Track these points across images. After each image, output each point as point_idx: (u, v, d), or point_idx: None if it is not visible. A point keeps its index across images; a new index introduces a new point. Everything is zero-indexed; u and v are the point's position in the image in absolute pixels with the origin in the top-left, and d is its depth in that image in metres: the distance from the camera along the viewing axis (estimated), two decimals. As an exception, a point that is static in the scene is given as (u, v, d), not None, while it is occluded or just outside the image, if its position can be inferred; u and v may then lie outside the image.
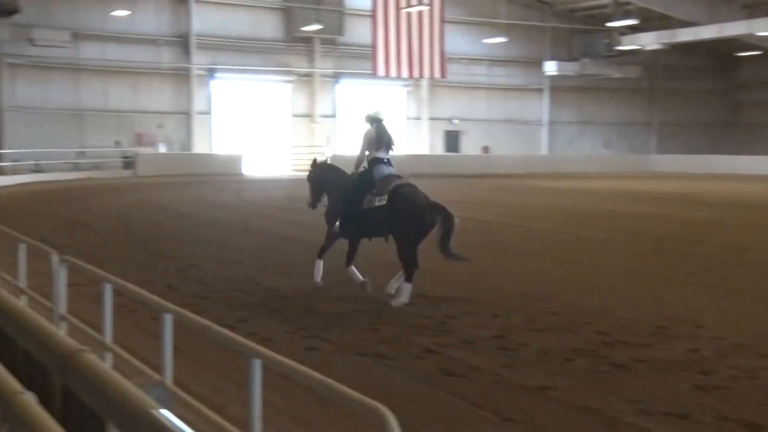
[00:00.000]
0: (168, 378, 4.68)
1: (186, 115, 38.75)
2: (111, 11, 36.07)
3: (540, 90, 47.73)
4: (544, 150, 48.03)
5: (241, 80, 40.21)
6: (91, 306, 7.77)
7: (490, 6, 43.22)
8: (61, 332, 1.83)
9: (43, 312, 6.28)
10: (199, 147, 38.92)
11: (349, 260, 10.01)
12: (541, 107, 48.04)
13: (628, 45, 44.44)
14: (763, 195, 28.34)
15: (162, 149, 37.79)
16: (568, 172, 41.13)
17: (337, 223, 9.98)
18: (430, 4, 39.20)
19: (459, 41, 43.45)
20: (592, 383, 6.41)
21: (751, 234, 16.81)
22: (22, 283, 7.45)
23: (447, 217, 9.27)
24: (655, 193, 28.66)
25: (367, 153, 10.01)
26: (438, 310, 9.01)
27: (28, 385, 1.58)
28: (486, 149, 45.81)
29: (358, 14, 40.92)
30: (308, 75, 41.58)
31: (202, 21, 38.51)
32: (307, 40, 41.15)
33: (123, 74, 37.04)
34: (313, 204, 10.51)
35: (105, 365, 1.56)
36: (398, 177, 9.87)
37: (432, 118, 44.97)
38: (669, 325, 8.29)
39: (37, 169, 33.29)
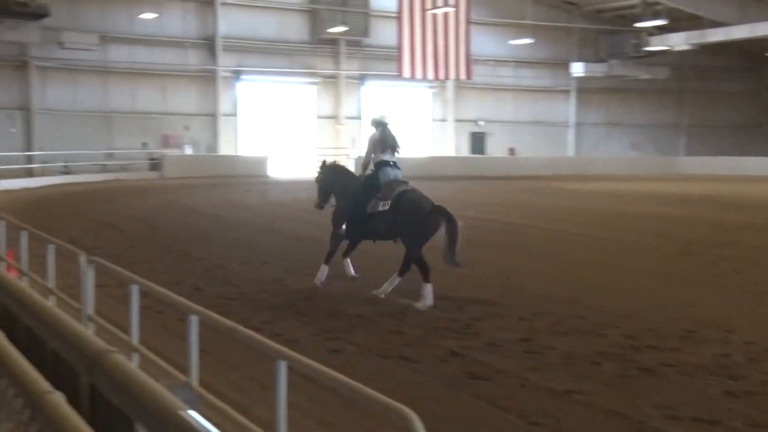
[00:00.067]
0: (194, 379, 4.69)
1: (212, 117, 38.98)
2: (138, 14, 36.40)
3: (567, 91, 47.41)
4: (570, 152, 47.69)
5: (266, 82, 40.35)
6: (118, 307, 7.82)
7: (516, 7, 43.02)
8: (89, 333, 1.85)
9: (70, 313, 6.33)
10: (224, 149, 39.12)
11: (346, 254, 10.30)
12: (567, 109, 47.71)
13: (656, 46, 43.98)
14: (794, 197, 27.94)
15: (188, 151, 38.04)
16: (595, 174, 40.80)
17: (344, 226, 10.15)
18: (456, 6, 39.11)
19: (485, 42, 43.29)
20: (619, 387, 6.35)
21: (781, 237, 16.58)
22: (51, 283, 7.52)
23: (451, 222, 9.35)
24: (684, 195, 28.35)
25: (372, 156, 10.14)
26: (463, 312, 8.98)
27: (57, 384, 1.58)
28: (512, 151, 45.58)
29: (384, 16, 40.92)
30: (333, 77, 41.65)
31: (228, 23, 38.73)
32: (333, 41, 41.23)
33: (150, 76, 37.34)
34: (321, 205, 10.67)
35: (133, 366, 1.57)
36: (403, 182, 10.01)
37: (457, 120, 44.84)
38: (698, 329, 8.19)
39: (66, 171, 33.63)
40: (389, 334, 8.06)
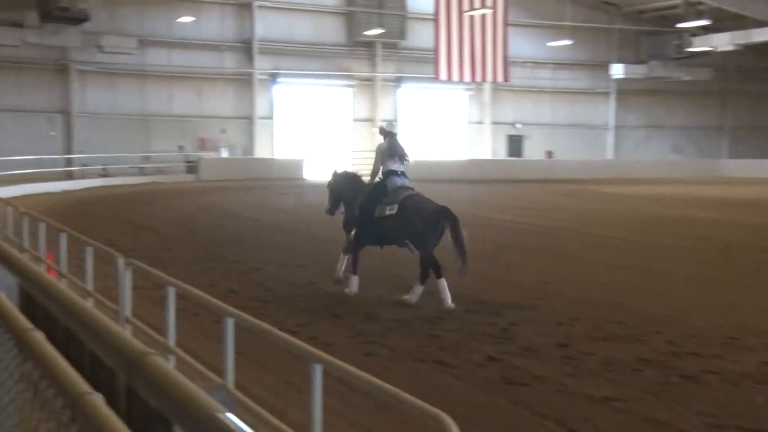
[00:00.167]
0: (229, 381, 4.71)
1: (248, 119, 39.23)
2: (177, 18, 36.74)
3: (606, 93, 46.87)
4: (609, 155, 47.11)
5: (302, 85, 40.52)
6: (155, 309, 7.87)
7: (554, 8, 42.66)
8: (128, 335, 1.85)
9: (108, 314, 6.37)
10: (261, 152, 39.33)
11: (347, 251, 10.40)
12: (606, 111, 47.17)
13: (699, 46, 43.23)
14: (839, 201, 27.29)
15: (224, 154, 38.31)
16: (634, 178, 40.23)
17: (353, 232, 10.35)
18: (494, 7, 38.86)
19: (522, 44, 42.97)
20: (660, 395, 6.23)
21: (826, 241, 16.20)
22: (89, 285, 7.59)
23: (454, 223, 9.55)
24: (726, 198, 27.88)
25: (381, 166, 10.35)
26: (500, 317, 8.89)
27: (94, 385, 1.58)
28: (549, 154, 45.18)
29: (421, 18, 40.83)
30: (370, 79, 41.68)
31: (265, 26, 38.95)
32: (369, 44, 41.27)
33: (187, 80, 37.67)
34: (331, 211, 10.91)
35: (171, 368, 1.57)
36: (410, 188, 10.25)
37: (494, 123, 44.58)
38: (741, 336, 8.02)
39: (104, 174, 34.06)
40: (425, 338, 8.01)
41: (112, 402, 1.55)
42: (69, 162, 34.33)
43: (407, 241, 9.92)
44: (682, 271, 12.34)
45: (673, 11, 43.09)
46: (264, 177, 35.39)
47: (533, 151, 45.28)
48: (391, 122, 11.05)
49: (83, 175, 33.00)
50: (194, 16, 36.85)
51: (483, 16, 38.92)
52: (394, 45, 41.67)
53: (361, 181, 10.74)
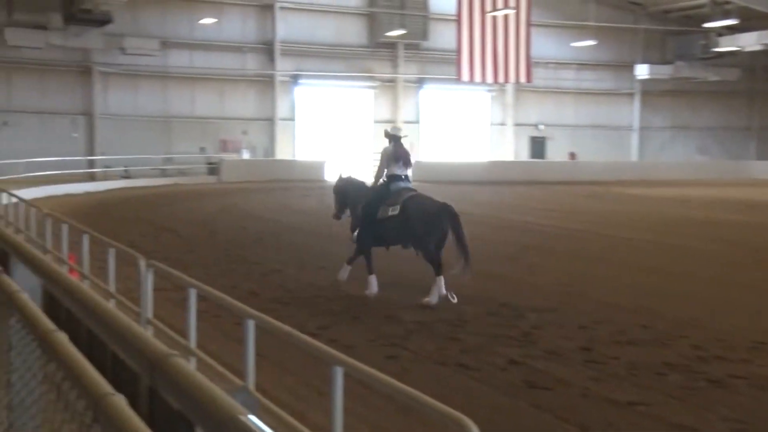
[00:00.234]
0: (251, 383, 4.70)
1: (270, 121, 39.31)
2: (199, 19, 36.85)
3: (631, 94, 46.45)
4: (634, 156, 46.66)
5: (324, 86, 40.55)
6: (176, 311, 7.88)
7: (578, 8, 42.34)
8: (151, 336, 1.85)
9: (129, 316, 6.38)
10: (282, 153, 39.40)
11: (351, 260, 10.53)
12: (631, 112, 46.74)
13: (726, 46, 42.68)
14: None
15: (246, 155, 38.42)
16: (659, 180, 39.76)
17: (355, 233, 10.53)
18: (516, 8, 38.65)
19: (546, 45, 42.71)
20: (686, 399, 6.16)
21: None
22: (111, 287, 7.61)
23: (454, 218, 9.73)
24: (753, 201, 27.55)
25: (385, 169, 10.52)
26: (522, 320, 8.83)
27: (116, 387, 1.58)
28: (573, 155, 44.82)
29: (443, 18, 40.71)
30: (391, 80, 41.64)
31: (287, 27, 39.00)
32: (391, 45, 41.22)
33: (209, 81, 37.80)
34: (338, 215, 11.22)
35: (194, 370, 1.56)
36: (412, 190, 10.45)
37: (517, 124, 44.34)
38: (768, 340, 7.89)
39: (126, 175, 34.26)
40: (446, 340, 7.97)
41: (134, 403, 1.55)
42: (91, 163, 34.56)
43: (409, 242, 10.09)
44: (707, 274, 12.21)
45: (700, 11, 42.59)
46: (285, 179, 35.45)
47: (556, 152, 44.96)
48: (396, 126, 11.30)
49: (105, 177, 33.18)
50: (216, 17, 36.96)
51: (506, 17, 38.72)
52: (416, 46, 41.60)
53: (365, 185, 10.95)
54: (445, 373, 6.88)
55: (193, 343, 5.61)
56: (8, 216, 14.08)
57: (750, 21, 41.40)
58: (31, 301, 2.21)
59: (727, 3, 40.60)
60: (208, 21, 36.55)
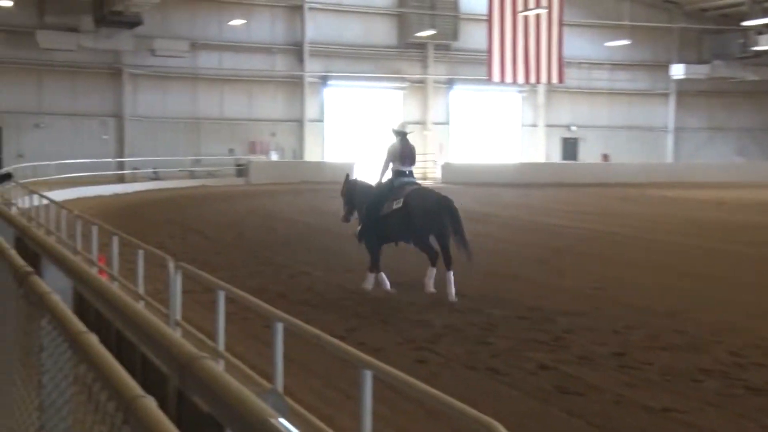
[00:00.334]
0: (278, 386, 4.69)
1: (298, 122, 39.37)
2: (228, 21, 37.02)
3: (666, 95, 45.87)
4: (669, 158, 46.03)
5: (353, 87, 40.53)
6: (204, 313, 7.88)
7: (612, 7, 41.88)
8: (181, 338, 1.85)
9: (158, 318, 6.38)
10: (311, 155, 39.42)
11: (375, 267, 10.59)
12: (666, 113, 46.14)
13: (765, 45, 41.95)
14: None
15: (274, 157, 38.50)
16: (695, 182, 39.01)
17: (359, 228, 10.72)
18: (549, 7, 38.30)
19: (578, 45, 42.30)
20: (723, 406, 6.04)
21: None
22: (140, 289, 7.62)
23: (453, 212, 9.92)
24: (792, 203, 27.04)
25: (391, 165, 10.66)
26: (554, 324, 8.72)
27: (145, 388, 1.58)
28: (606, 157, 44.34)
29: (473, 18, 40.49)
30: (421, 81, 41.53)
31: (316, 28, 39.04)
32: (421, 45, 41.11)
33: (237, 83, 37.94)
34: (346, 218, 11.30)
35: (224, 373, 1.58)
36: (416, 183, 10.69)
37: (548, 125, 43.98)
38: (809, 346, 7.70)
39: (156, 177, 34.48)
40: (476, 344, 7.89)
41: (162, 405, 1.55)
42: (121, 165, 34.85)
43: (410, 237, 10.30)
44: (744, 278, 12.00)
45: (738, 9, 41.90)
46: (314, 180, 35.49)
47: (589, 154, 44.49)
48: (403, 123, 11.36)
49: (134, 179, 33.43)
50: (245, 18, 37.10)
51: (537, 16, 38.41)
52: (446, 46, 41.45)
53: (371, 187, 11.02)
54: (475, 378, 6.83)
55: (221, 345, 5.60)
56: (39, 218, 14.24)
57: (790, 19, 40.64)
58: (62, 302, 2.21)
59: (766, 1, 39.92)
60: (237, 22, 36.72)
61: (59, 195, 19.65)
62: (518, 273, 12.04)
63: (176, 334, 2.39)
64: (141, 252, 7.59)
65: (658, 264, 13.35)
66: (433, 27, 39.76)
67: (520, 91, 43.16)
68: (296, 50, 38.79)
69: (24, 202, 16.84)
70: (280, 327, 4.62)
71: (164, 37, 35.11)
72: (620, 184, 36.66)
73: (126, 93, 35.49)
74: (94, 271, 8.02)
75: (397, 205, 10.22)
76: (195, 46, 36.12)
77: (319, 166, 38.38)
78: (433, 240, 10.20)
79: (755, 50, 42.29)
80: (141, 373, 5.62)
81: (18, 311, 2.60)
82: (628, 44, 41.41)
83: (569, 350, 7.65)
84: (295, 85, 38.89)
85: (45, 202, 14.30)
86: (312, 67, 38.89)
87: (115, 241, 8.50)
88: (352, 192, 11.20)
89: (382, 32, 40.49)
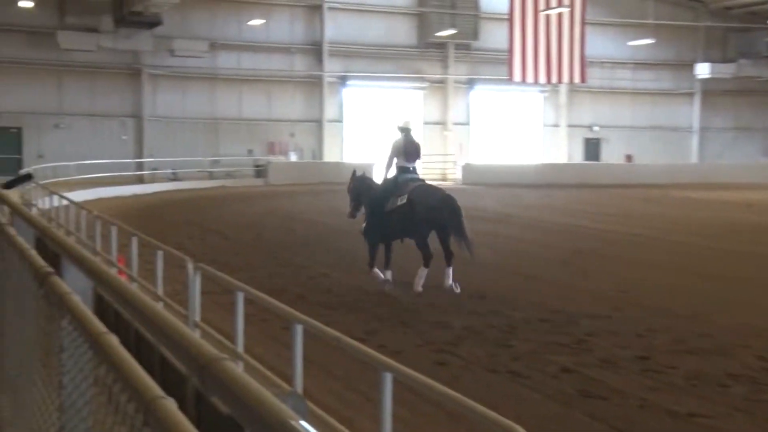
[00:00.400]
0: (298, 388, 4.68)
1: (317, 123, 39.35)
2: (247, 21, 37.05)
3: (690, 94, 45.40)
4: (693, 159, 45.53)
5: (372, 87, 40.45)
6: (223, 314, 7.86)
7: (635, 6, 41.41)
8: (201, 340, 1.84)
9: (177, 319, 6.37)
10: (330, 155, 39.36)
11: (371, 263, 10.61)
12: (691, 113, 45.67)
13: (793, 44, 41.48)
14: None
15: (293, 158, 38.52)
16: (720, 183, 38.42)
17: (364, 224, 10.86)
18: (571, 6, 37.99)
19: (601, 44, 41.99)
20: (751, 412, 5.95)
21: None
22: (159, 289, 7.60)
23: (455, 211, 10.06)
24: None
25: (395, 161, 10.76)
26: (576, 327, 8.62)
27: (164, 389, 1.58)
28: (629, 158, 43.96)
29: (494, 18, 40.26)
30: (441, 81, 41.41)
31: (335, 28, 38.99)
32: (441, 45, 40.99)
33: (256, 83, 37.96)
34: (353, 214, 11.41)
35: (245, 374, 1.59)
36: (419, 180, 10.77)
37: (570, 125, 43.67)
38: (839, 351, 7.55)
39: (174, 178, 34.56)
40: (497, 347, 7.82)
41: (181, 406, 1.53)
42: (140, 166, 35.00)
43: (413, 234, 10.37)
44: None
45: (764, 6, 41.42)
46: (333, 181, 35.43)
47: (611, 154, 44.12)
48: (407, 120, 11.42)
49: (153, 179, 33.52)
50: (264, 18, 37.11)
51: (560, 15, 38.14)
52: (466, 46, 41.29)
53: (376, 183, 11.20)
54: (496, 381, 6.79)
55: (240, 346, 5.58)
56: (59, 218, 14.31)
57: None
58: (82, 303, 2.22)
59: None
60: (256, 22, 36.76)
61: (79, 195, 19.74)
62: (540, 274, 11.93)
63: (196, 336, 2.37)
64: (160, 253, 7.59)
65: (683, 266, 13.20)
66: (453, 26, 39.62)
67: (542, 91, 42.91)
68: (315, 50, 38.78)
69: (44, 202, 16.95)
70: (299, 329, 4.62)
71: (183, 37, 35.23)
72: (643, 185, 36.30)
73: (145, 93, 35.64)
74: (113, 271, 8.02)
75: (401, 201, 10.31)
76: (214, 46, 36.21)
77: (338, 166, 38.28)
78: (434, 237, 10.33)
79: (782, 49, 41.79)
80: (160, 374, 5.58)
81: (38, 312, 2.63)
82: (652, 43, 40.95)
83: (592, 353, 7.58)
84: (314, 85, 38.90)
85: (65, 202, 14.37)
86: (331, 67, 38.87)
87: (135, 241, 8.51)
88: (359, 188, 11.29)
89: (402, 32, 40.39)
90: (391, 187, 10.61)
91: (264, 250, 14.99)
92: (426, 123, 41.34)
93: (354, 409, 5.90)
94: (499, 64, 38.95)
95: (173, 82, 36.19)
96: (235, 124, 37.54)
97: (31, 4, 32.16)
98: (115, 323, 7.22)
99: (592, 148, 44.25)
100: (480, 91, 42.02)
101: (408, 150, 10.69)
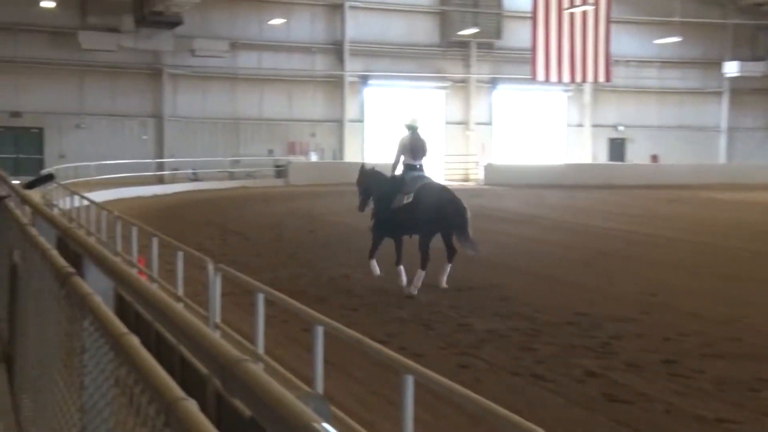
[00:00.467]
0: (319, 390, 4.67)
1: (338, 123, 39.31)
2: (268, 20, 37.07)
3: (718, 93, 44.88)
4: (722, 159, 44.99)
5: (394, 87, 40.33)
6: (243, 315, 7.84)
7: (662, 3, 40.87)
8: (222, 341, 1.83)
9: (198, 320, 6.34)
10: (351, 155, 39.24)
11: (372, 253, 10.84)
12: (719, 112, 45.12)
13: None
14: None
15: (314, 158, 38.51)
16: (749, 184, 37.82)
17: (372, 222, 10.97)
18: (596, 4, 37.63)
19: (626, 42, 41.58)
20: (782, 419, 5.76)
21: None
22: (180, 290, 7.59)
23: (460, 212, 10.12)
24: None
25: (402, 158, 10.88)
26: (601, 330, 8.52)
27: (185, 391, 1.59)
28: (655, 158, 43.50)
29: (517, 16, 40.05)
30: (463, 81, 41.24)
31: (357, 27, 38.92)
32: (463, 44, 40.81)
33: (277, 83, 37.98)
34: (361, 207, 11.51)
35: (267, 376, 1.60)
36: (427, 178, 10.81)
37: (595, 125, 43.28)
38: None
39: (195, 178, 34.63)
40: (520, 350, 7.74)
41: (202, 408, 1.54)
42: (160, 166, 35.13)
43: (418, 231, 10.43)
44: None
45: (795, 3, 40.85)
46: (353, 181, 35.28)
47: (637, 155, 43.70)
48: (414, 117, 11.48)
49: (174, 179, 33.61)
50: (285, 17, 37.12)
51: (584, 13, 37.83)
52: (489, 45, 41.08)
53: (385, 177, 11.24)
54: (520, 384, 6.72)
55: (260, 348, 5.56)
56: (80, 218, 14.38)
57: None
58: (103, 303, 2.24)
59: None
60: (277, 22, 36.78)
61: (99, 196, 19.84)
62: (564, 276, 11.81)
63: (217, 337, 2.35)
64: (180, 253, 7.58)
65: (711, 269, 13.02)
66: (476, 25, 39.43)
67: (566, 91, 42.62)
68: (336, 49, 38.75)
69: (65, 202, 17.05)
70: (320, 331, 4.61)
71: (204, 37, 35.33)
72: (670, 186, 35.91)
73: (166, 93, 35.77)
74: (134, 272, 8.02)
75: (408, 200, 10.38)
76: (235, 45, 36.29)
77: (357, 167, 38.24)
78: (438, 236, 10.40)
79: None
80: (180, 375, 5.54)
81: (60, 312, 2.66)
82: (679, 41, 40.41)
83: (617, 357, 7.49)
84: (335, 84, 38.86)
85: (85, 203, 14.43)
86: (352, 67, 38.81)
87: (155, 242, 8.51)
88: (368, 183, 11.37)
89: (424, 31, 40.25)
90: (399, 184, 10.68)
91: (285, 251, 14.96)
92: (448, 123, 41.21)
93: (375, 411, 5.86)
94: (523, 63, 38.68)
95: (194, 82, 36.30)
96: (256, 124, 37.58)
97: (52, 5, 32.40)
98: (135, 324, 7.24)
99: (617, 149, 43.86)
100: (503, 90, 41.80)
101: (415, 148, 10.76)
